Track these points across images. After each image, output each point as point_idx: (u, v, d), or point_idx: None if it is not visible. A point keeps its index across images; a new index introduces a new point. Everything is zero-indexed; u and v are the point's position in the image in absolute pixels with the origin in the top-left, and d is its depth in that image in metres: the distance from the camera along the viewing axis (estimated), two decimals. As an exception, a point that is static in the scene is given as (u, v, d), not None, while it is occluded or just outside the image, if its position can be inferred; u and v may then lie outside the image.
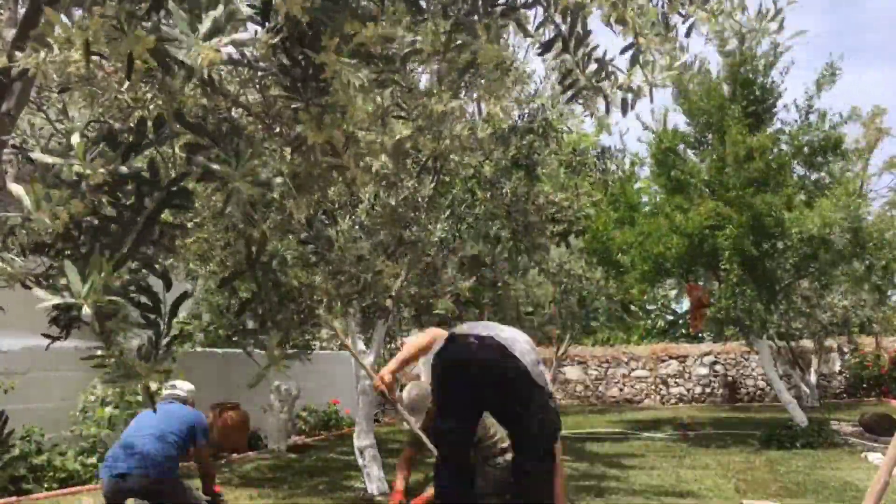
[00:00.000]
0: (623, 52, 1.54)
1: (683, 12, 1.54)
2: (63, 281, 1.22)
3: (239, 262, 1.53)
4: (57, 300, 1.15)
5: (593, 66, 1.58)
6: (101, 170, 1.16)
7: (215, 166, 1.27)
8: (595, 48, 1.56)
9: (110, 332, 1.35)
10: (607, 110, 1.67)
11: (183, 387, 5.12)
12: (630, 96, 1.61)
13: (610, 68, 1.61)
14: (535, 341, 4.10)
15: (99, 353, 1.38)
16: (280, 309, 1.53)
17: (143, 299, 1.36)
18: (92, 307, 1.13)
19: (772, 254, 9.54)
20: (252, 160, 1.29)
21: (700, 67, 9.62)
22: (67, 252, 1.21)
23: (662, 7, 1.52)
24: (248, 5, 1.17)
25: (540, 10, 1.51)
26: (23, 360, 7.04)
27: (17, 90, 1.74)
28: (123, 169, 1.21)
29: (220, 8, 1.15)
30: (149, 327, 1.32)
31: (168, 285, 1.42)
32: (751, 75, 9.63)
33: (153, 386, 7.70)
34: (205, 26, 1.14)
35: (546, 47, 1.53)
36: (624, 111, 1.70)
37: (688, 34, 1.55)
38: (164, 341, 1.34)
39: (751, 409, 15.56)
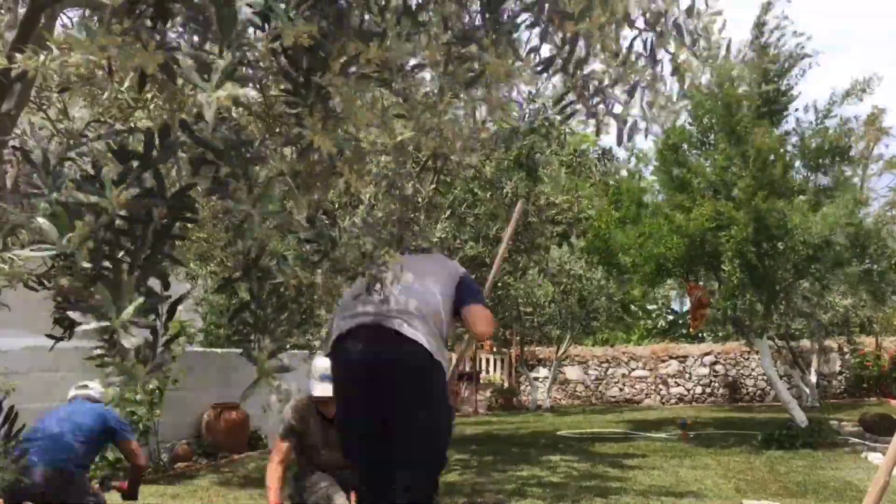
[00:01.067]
0: (614, 84, 1.55)
1: (670, 50, 1.55)
2: (72, 283, 1.22)
3: (238, 264, 1.53)
4: (94, 325, 1.16)
5: (590, 92, 1.58)
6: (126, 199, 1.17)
7: (230, 204, 1.27)
8: (593, 72, 1.56)
9: (114, 332, 1.35)
10: (598, 132, 1.67)
11: (96, 387, 4.74)
12: (626, 129, 1.61)
13: (607, 98, 1.61)
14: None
15: (97, 352, 1.38)
16: (275, 316, 1.53)
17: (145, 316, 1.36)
18: (125, 330, 1.15)
19: (773, 255, 9.54)
20: (267, 195, 1.29)
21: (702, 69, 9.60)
22: (83, 271, 1.22)
23: (651, 44, 1.53)
24: (247, 5, 1.17)
25: (538, 30, 1.51)
26: (23, 361, 7.05)
27: (17, 90, 1.74)
28: (136, 189, 1.22)
29: (228, 55, 1.15)
30: (146, 328, 1.32)
31: (166, 286, 1.42)
32: (772, 75, 9.60)
33: (150, 386, 7.67)
34: (214, 79, 1.15)
35: (545, 66, 1.53)
36: (619, 142, 1.71)
37: (673, 73, 1.56)
38: (161, 342, 1.34)
39: (751, 409, 15.56)
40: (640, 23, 1.50)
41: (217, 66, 1.15)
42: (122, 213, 1.20)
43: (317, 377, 4.11)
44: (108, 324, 1.16)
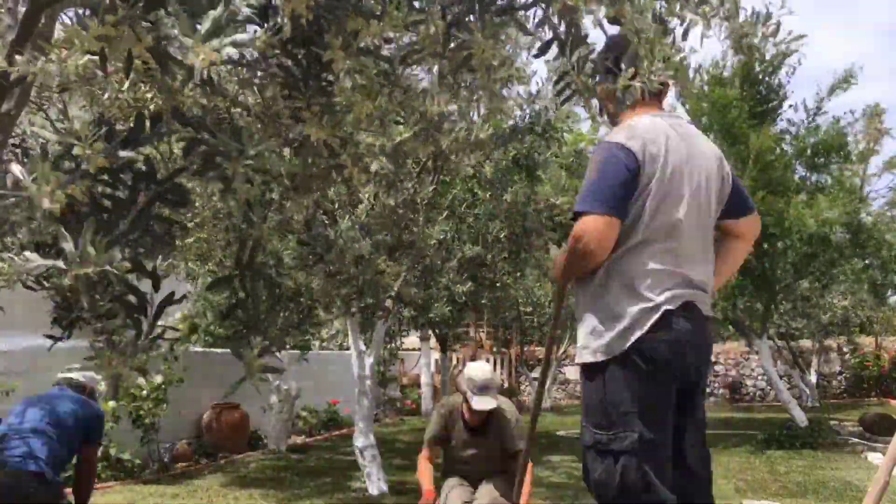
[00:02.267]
0: (617, 53, 1.55)
1: (680, 14, 1.55)
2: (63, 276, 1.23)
3: (235, 264, 1.53)
4: (49, 263, 1.15)
5: (589, 68, 1.58)
6: (100, 155, 1.16)
7: (217, 158, 1.27)
8: (592, 51, 1.57)
9: (112, 331, 1.36)
10: (601, 111, 1.67)
11: (84, 373, 4.22)
12: (625, 97, 1.62)
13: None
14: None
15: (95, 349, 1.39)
16: (267, 317, 1.53)
17: (131, 299, 1.36)
18: (83, 275, 1.13)
19: (772, 255, 9.55)
20: (255, 148, 1.29)
21: (698, 70, 9.63)
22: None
23: (660, 11, 1.53)
24: (248, 5, 1.18)
25: (539, 10, 1.52)
26: (23, 361, 7.05)
27: (17, 91, 1.75)
28: (122, 155, 1.21)
29: (220, 8, 1.15)
30: (132, 327, 1.32)
31: (157, 286, 1.42)
32: (760, 76, 9.61)
33: (158, 380, 7.61)
34: (204, 27, 1.14)
35: (543, 49, 1.53)
36: (614, 118, 1.71)
37: (684, 37, 1.56)
38: (146, 340, 1.34)
39: (751, 409, 15.56)
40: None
41: (207, 16, 1.14)
42: (102, 178, 1.20)
43: (475, 389, 4.07)
44: (64, 266, 1.14)
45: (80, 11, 1.34)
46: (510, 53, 1.46)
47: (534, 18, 1.55)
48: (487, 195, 7.35)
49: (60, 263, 1.14)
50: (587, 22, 1.48)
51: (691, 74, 1.59)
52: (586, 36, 1.53)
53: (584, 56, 1.55)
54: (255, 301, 1.52)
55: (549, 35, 1.55)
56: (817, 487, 6.57)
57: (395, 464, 8.04)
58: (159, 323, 1.44)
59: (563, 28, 1.50)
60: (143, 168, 1.25)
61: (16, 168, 1.17)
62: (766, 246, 9.47)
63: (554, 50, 1.54)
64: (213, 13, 1.14)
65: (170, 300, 1.45)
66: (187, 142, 1.28)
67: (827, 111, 9.96)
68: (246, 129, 1.32)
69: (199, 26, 1.12)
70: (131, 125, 1.96)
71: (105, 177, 1.24)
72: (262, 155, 1.30)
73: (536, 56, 1.52)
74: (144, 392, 7.51)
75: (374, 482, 6.50)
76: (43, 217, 1.18)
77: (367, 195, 5.35)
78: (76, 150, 1.15)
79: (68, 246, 1.13)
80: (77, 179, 1.15)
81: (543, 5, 1.48)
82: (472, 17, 1.42)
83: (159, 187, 1.24)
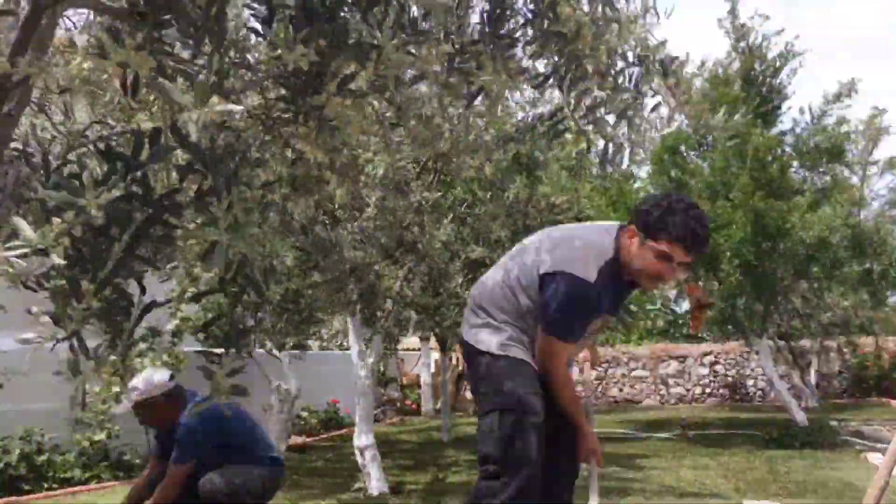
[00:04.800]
0: (600, 106, 1.57)
1: (653, 86, 1.58)
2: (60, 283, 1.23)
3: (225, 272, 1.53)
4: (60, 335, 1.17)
5: (582, 111, 1.60)
6: (104, 198, 1.17)
7: (197, 233, 1.27)
8: (587, 90, 1.58)
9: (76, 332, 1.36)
10: (588, 149, 1.69)
11: (148, 377, 4.26)
12: (611, 150, 1.64)
13: (598, 115, 1.63)
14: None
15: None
16: (246, 333, 1.53)
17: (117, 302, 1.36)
18: (74, 330, 1.15)
19: (772, 255, 9.55)
20: (247, 224, 1.28)
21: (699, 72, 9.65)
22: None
23: (637, 78, 1.56)
24: (252, 14, 1.18)
25: (536, 46, 1.53)
26: (23, 361, 7.05)
27: (19, 92, 1.75)
28: (122, 185, 1.22)
29: (206, 73, 1.17)
30: (111, 331, 1.32)
31: (143, 291, 1.42)
32: (761, 76, 9.61)
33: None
34: (199, 90, 1.15)
35: (542, 81, 1.54)
36: (602, 166, 1.73)
37: (653, 110, 1.59)
38: (121, 346, 1.34)
39: (751, 409, 15.55)
40: (630, 56, 1.53)
41: (202, 76, 1.15)
42: (100, 215, 1.20)
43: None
44: (62, 334, 1.16)
45: (89, 16, 1.35)
46: (515, 84, 1.48)
47: (531, 53, 1.57)
48: (488, 196, 7.35)
49: (59, 333, 1.15)
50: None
51: (691, 75, 1.61)
52: (584, 75, 1.54)
53: (580, 94, 1.57)
54: (232, 318, 1.52)
55: (544, 68, 1.56)
56: (817, 487, 6.57)
57: (396, 464, 8.04)
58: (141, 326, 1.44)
59: (561, 63, 1.52)
60: (139, 191, 1.25)
61: (19, 221, 1.17)
62: (765, 246, 9.47)
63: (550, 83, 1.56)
64: (201, 79, 1.15)
65: (153, 304, 1.45)
66: (183, 169, 1.29)
67: (832, 114, 9.96)
68: (242, 159, 1.32)
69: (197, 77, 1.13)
70: (133, 127, 1.97)
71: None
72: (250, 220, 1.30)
73: (534, 87, 1.54)
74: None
75: (374, 482, 6.50)
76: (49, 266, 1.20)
77: (372, 199, 5.33)
78: (82, 203, 1.16)
79: (61, 312, 1.15)
80: (77, 225, 1.16)
81: (542, 41, 1.49)
82: (481, 46, 1.43)
83: (155, 207, 1.24)
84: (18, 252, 1.17)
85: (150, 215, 1.24)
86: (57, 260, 1.17)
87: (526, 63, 1.55)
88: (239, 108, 1.17)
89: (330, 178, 1.46)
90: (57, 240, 1.14)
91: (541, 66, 1.60)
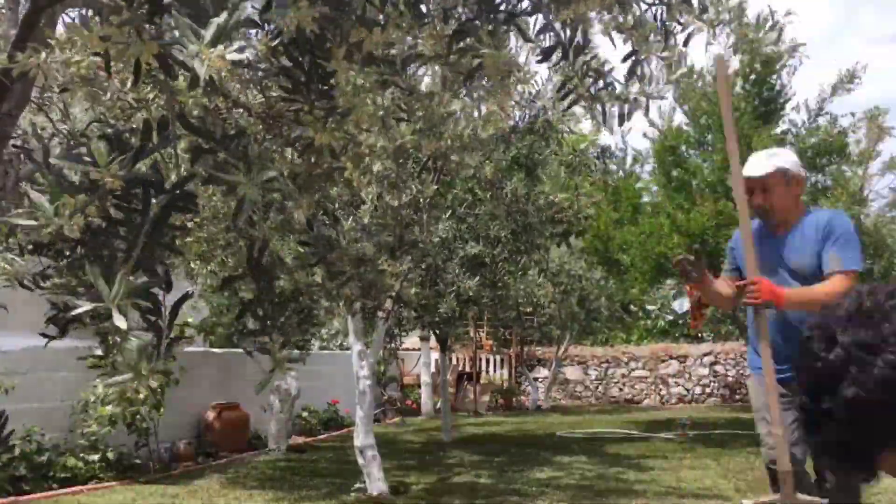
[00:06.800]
0: (624, 60, 1.55)
1: (682, 20, 1.55)
2: (68, 280, 1.22)
3: (240, 263, 1.54)
4: (88, 306, 1.16)
5: (592, 76, 1.59)
6: (118, 175, 1.17)
7: (224, 176, 1.27)
8: (594, 57, 1.57)
9: (106, 333, 1.35)
10: (604, 120, 1.68)
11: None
12: (626, 108, 1.62)
13: (608, 78, 1.62)
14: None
15: (96, 353, 1.38)
16: (281, 311, 1.54)
17: (145, 302, 1.37)
18: (119, 310, 1.15)
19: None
20: (263, 170, 1.29)
21: (700, 73, 9.62)
22: (73, 256, 1.22)
23: (661, 17, 1.53)
24: (252, 7, 1.18)
25: (541, 16, 1.52)
26: (23, 360, 7.04)
27: (18, 90, 1.74)
28: (134, 171, 1.22)
29: (224, 15, 1.15)
30: (151, 330, 1.32)
31: (168, 288, 1.42)
32: (762, 76, 9.60)
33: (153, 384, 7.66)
34: (209, 32, 1.14)
35: (546, 54, 1.53)
36: (620, 122, 1.72)
37: (686, 43, 1.56)
38: (165, 342, 1.34)
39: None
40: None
41: (211, 22, 1.14)
42: (116, 193, 1.20)
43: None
44: (101, 304, 1.16)
45: (83, 12, 1.34)
46: (515, 58, 1.47)
47: (535, 25, 1.56)
48: (488, 195, 7.35)
49: (97, 304, 1.15)
50: (594, 25, 1.49)
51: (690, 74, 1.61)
52: (589, 42, 1.53)
53: (587, 62, 1.56)
54: (269, 300, 1.54)
55: (551, 40, 1.55)
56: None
57: (396, 464, 8.04)
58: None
59: (565, 35, 1.50)
60: (152, 178, 1.25)
61: (34, 194, 1.17)
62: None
63: (556, 54, 1.55)
64: (217, 20, 1.14)
65: (183, 300, 1.45)
66: (193, 150, 1.29)
67: (828, 112, 9.94)
68: (252, 139, 1.32)
69: (203, 32, 1.12)
70: (133, 126, 1.96)
71: (119, 193, 1.25)
72: (267, 167, 1.30)
73: (539, 62, 1.53)
74: (141, 396, 7.49)
75: (374, 482, 6.49)
76: (61, 238, 1.20)
77: (370, 196, 5.33)
78: (94, 175, 1.15)
79: (101, 285, 1.15)
80: (94, 202, 1.16)
81: (546, 11, 1.48)
82: (478, 23, 1.42)
83: (169, 195, 1.24)
84: (35, 224, 1.17)
85: (167, 203, 1.24)
86: (73, 234, 1.16)
87: (532, 33, 1.54)
88: (243, 55, 1.16)
89: (345, 162, 1.46)
90: (72, 215, 1.14)
91: (544, 47, 1.59)
